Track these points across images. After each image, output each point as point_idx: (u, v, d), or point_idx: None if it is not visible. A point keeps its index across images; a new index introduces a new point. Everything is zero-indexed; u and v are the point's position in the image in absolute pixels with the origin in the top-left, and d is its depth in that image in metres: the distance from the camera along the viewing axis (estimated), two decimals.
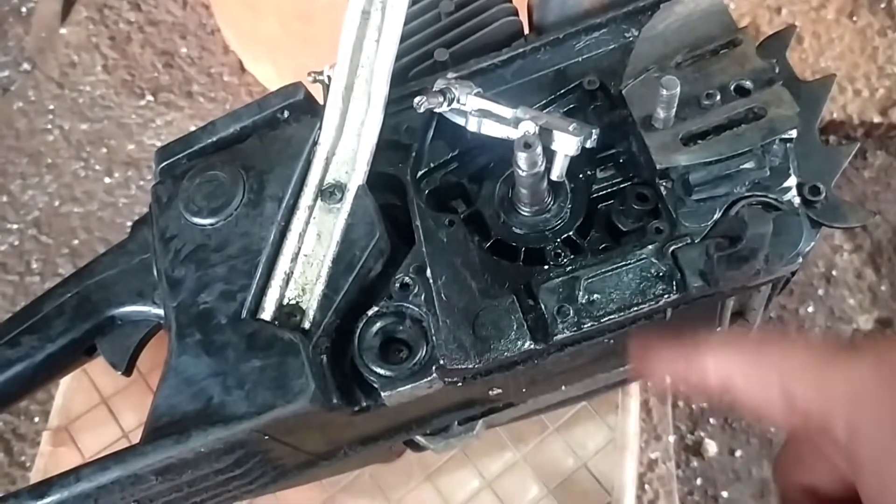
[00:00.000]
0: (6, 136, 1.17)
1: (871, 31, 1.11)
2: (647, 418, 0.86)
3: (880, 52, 1.10)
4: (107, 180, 1.15)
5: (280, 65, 1.10)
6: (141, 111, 1.20)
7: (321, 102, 0.50)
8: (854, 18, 1.11)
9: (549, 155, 0.44)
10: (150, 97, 1.21)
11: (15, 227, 1.13)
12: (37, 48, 1.30)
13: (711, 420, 0.95)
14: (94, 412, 0.67)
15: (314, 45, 0.87)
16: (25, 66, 1.29)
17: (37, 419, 0.97)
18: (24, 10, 1.35)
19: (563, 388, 0.52)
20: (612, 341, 0.44)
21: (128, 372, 0.51)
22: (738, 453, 0.94)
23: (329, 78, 0.50)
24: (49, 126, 1.21)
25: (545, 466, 0.63)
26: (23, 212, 1.14)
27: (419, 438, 0.54)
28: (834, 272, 1.00)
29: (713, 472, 0.93)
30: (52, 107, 1.22)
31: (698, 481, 0.94)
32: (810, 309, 1.00)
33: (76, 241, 1.11)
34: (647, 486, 0.82)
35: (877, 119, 1.07)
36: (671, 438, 0.86)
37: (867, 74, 1.09)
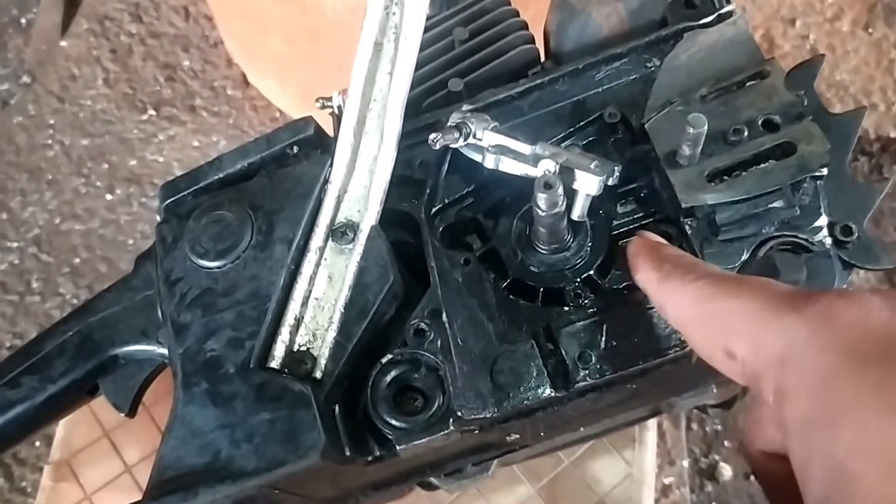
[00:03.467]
0: (6, 152, 1.15)
1: (888, 44, 1.10)
2: (661, 442, 0.85)
3: None
4: (108, 197, 1.13)
5: (285, 81, 1.09)
6: (143, 126, 1.19)
7: (330, 128, 0.48)
8: (870, 30, 1.09)
9: (570, 193, 0.42)
10: (152, 111, 1.19)
11: (15, 245, 1.11)
12: (37, 61, 1.29)
13: (726, 443, 0.93)
14: (96, 445, 0.65)
15: (321, 63, 0.85)
16: (25, 78, 1.27)
17: (38, 443, 0.95)
18: (23, 21, 1.33)
19: (582, 429, 0.50)
20: (635, 386, 0.42)
21: (131, 413, 0.49)
22: (753, 477, 0.93)
23: (339, 109, 0.49)
24: (49, 141, 1.19)
25: (560, 502, 0.61)
26: (23, 229, 1.12)
27: (432, 479, 0.52)
28: (850, 290, 0.99)
29: (728, 497, 0.91)
30: (52, 121, 1.21)
31: None
32: None
33: (77, 260, 1.09)
34: None
35: (893, 134, 1.05)
36: (685, 463, 0.85)
37: (883, 88, 1.07)
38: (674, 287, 0.33)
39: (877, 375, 0.24)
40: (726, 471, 0.92)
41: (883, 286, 1.01)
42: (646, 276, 0.36)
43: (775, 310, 0.28)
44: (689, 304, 0.32)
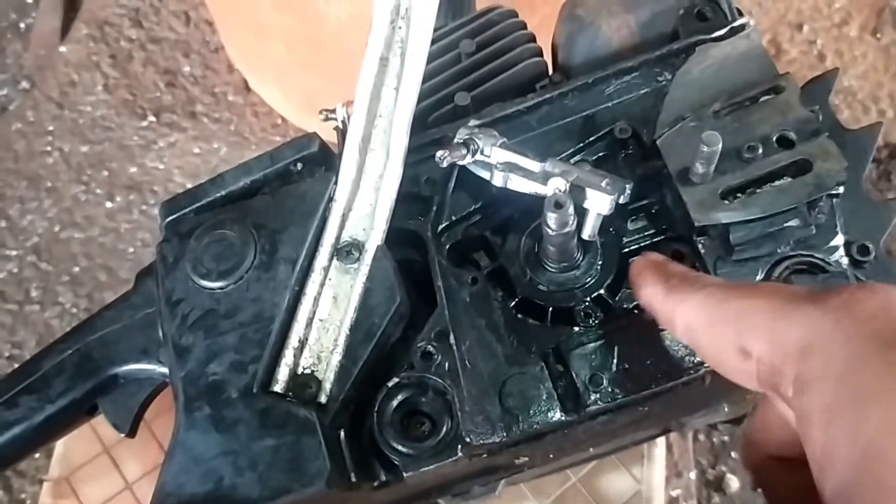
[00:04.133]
0: (4, 159, 1.15)
1: None
2: (668, 454, 0.84)
3: None
4: (108, 205, 1.13)
5: (286, 87, 1.08)
6: (143, 132, 1.18)
7: (334, 142, 0.47)
8: (878, 35, 1.08)
9: (581, 212, 0.41)
10: (152, 118, 1.18)
11: (14, 253, 1.11)
12: (36, 66, 1.28)
13: (733, 454, 0.92)
14: (95, 462, 0.64)
15: (323, 70, 0.85)
16: (24, 84, 1.27)
17: (37, 456, 0.95)
18: (22, 25, 1.33)
19: (591, 449, 0.50)
20: (647, 409, 0.41)
21: (132, 434, 0.48)
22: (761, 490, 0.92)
23: (343, 123, 0.48)
24: (48, 148, 1.18)
25: None
26: (22, 237, 1.11)
27: (440, 501, 0.51)
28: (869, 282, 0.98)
29: None
30: (51, 128, 1.20)
31: None
32: None
33: (77, 268, 1.08)
34: None
35: None
36: (692, 475, 0.84)
37: (892, 94, 1.07)
38: (681, 296, 0.33)
39: None
40: (733, 482, 0.91)
41: None
42: (651, 291, 0.35)
43: (794, 303, 0.28)
44: (698, 309, 0.32)
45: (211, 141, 1.13)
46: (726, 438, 0.91)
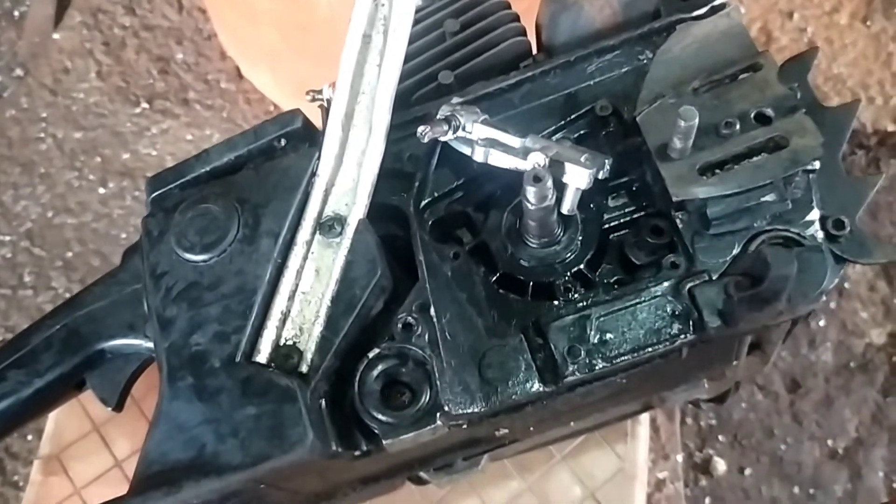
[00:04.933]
0: None
1: (886, 37, 1.09)
2: (655, 437, 0.84)
3: (895, 58, 1.07)
4: (101, 191, 1.13)
5: (279, 74, 1.08)
6: (136, 119, 1.18)
7: (320, 123, 0.48)
8: (868, 23, 1.09)
9: (560, 187, 0.42)
10: (145, 104, 1.18)
11: (7, 238, 1.11)
12: (30, 53, 1.28)
13: (720, 437, 0.93)
14: (86, 440, 0.65)
15: (314, 56, 0.84)
16: (18, 71, 1.26)
17: (30, 437, 0.95)
18: (16, 13, 1.32)
19: (572, 423, 0.50)
20: (625, 381, 0.42)
21: (118, 408, 0.49)
22: (747, 471, 0.92)
23: (328, 102, 0.48)
24: (42, 134, 1.18)
25: (552, 496, 0.61)
26: (15, 223, 1.11)
27: (422, 473, 0.52)
28: (846, 285, 0.98)
29: (722, 492, 0.91)
30: (45, 115, 1.19)
31: (707, 500, 0.92)
32: (822, 323, 0.98)
33: (70, 254, 1.08)
34: None
35: (891, 127, 1.05)
36: (679, 457, 0.84)
37: (881, 81, 1.07)
38: None
39: None
40: (720, 465, 0.91)
41: (879, 282, 1.00)
42: None
43: None
44: None
45: (203, 128, 1.13)
46: (714, 422, 0.92)
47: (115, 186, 1.14)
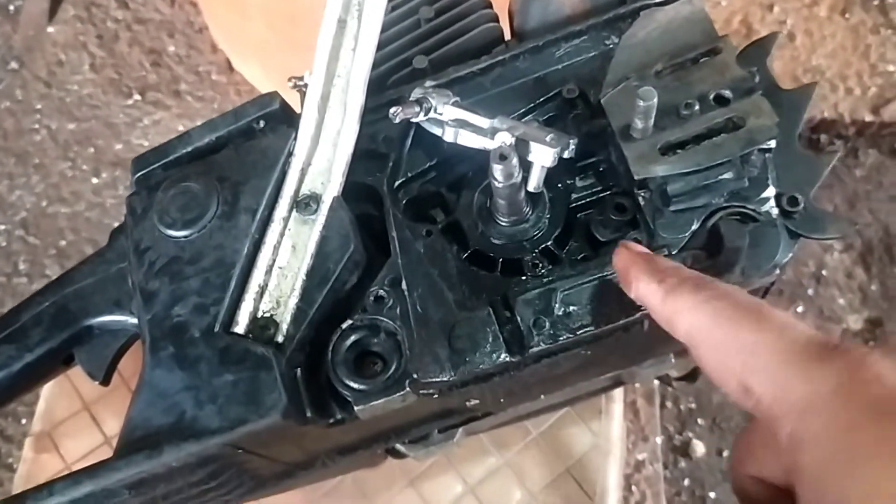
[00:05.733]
0: None
1: (864, 29, 1.11)
2: (635, 419, 0.86)
3: (873, 49, 1.09)
4: (94, 181, 1.15)
5: (268, 65, 1.09)
6: (128, 110, 1.20)
7: (300, 110, 0.49)
8: (847, 16, 1.10)
9: (526, 166, 0.43)
10: (137, 96, 1.20)
11: (2, 227, 1.13)
12: (24, 47, 1.30)
13: (699, 421, 0.95)
14: (76, 418, 0.66)
15: (302, 47, 0.86)
16: (13, 64, 1.28)
17: (24, 421, 0.97)
18: (11, 8, 1.34)
19: (542, 397, 0.52)
20: (589, 353, 0.44)
21: (105, 382, 0.50)
22: (725, 454, 0.94)
23: (306, 86, 0.50)
24: (36, 126, 1.20)
25: (528, 472, 0.63)
26: (10, 212, 1.13)
27: (399, 446, 0.54)
28: (824, 272, 1.00)
29: (701, 473, 0.93)
30: (39, 106, 1.22)
31: (686, 482, 0.94)
32: (800, 309, 1.00)
33: (63, 242, 1.10)
34: (633, 488, 0.82)
35: (868, 118, 1.07)
36: (658, 439, 0.86)
37: (859, 72, 1.09)
38: (685, 304, 0.32)
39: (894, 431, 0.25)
40: (699, 448, 0.93)
41: (857, 268, 1.02)
42: (647, 289, 0.35)
43: (800, 357, 0.28)
44: (703, 326, 0.31)
45: (195, 119, 1.15)
46: (693, 406, 0.94)
47: (108, 176, 1.16)
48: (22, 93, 1.24)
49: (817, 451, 0.26)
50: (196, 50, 1.23)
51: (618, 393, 0.64)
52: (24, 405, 0.95)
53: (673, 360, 0.54)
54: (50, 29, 1.29)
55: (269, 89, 1.19)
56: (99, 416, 0.66)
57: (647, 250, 0.39)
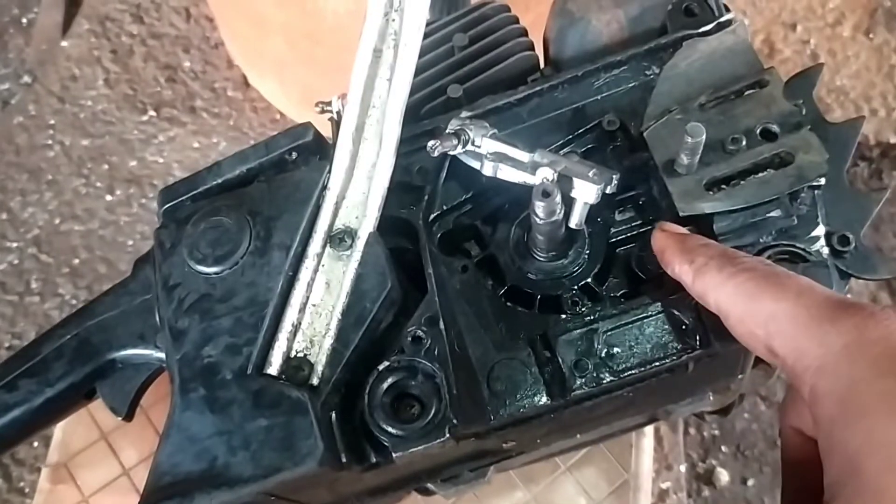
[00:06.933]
0: (6, 152, 1.15)
1: (888, 49, 1.10)
2: (659, 447, 0.85)
3: None
4: (108, 198, 1.14)
5: (286, 82, 1.08)
6: (143, 127, 1.19)
7: (329, 133, 0.48)
8: (870, 35, 1.09)
9: (568, 201, 0.42)
10: (152, 112, 1.19)
11: (14, 245, 1.12)
12: (38, 60, 1.29)
13: (723, 448, 0.93)
14: (93, 448, 0.65)
15: (321, 65, 0.85)
16: (26, 78, 1.28)
17: (36, 444, 0.96)
18: (24, 20, 1.34)
19: (578, 436, 0.50)
20: (631, 394, 0.42)
21: (129, 417, 0.49)
22: (750, 482, 0.92)
23: (338, 114, 0.49)
24: (50, 141, 1.19)
25: None
26: (22, 230, 1.12)
27: (429, 485, 0.52)
28: (849, 296, 0.98)
29: (725, 502, 0.92)
30: (52, 122, 1.21)
31: None
32: None
33: (77, 261, 1.09)
34: None
35: (893, 139, 1.05)
36: (682, 468, 0.85)
37: (884, 94, 1.07)
38: (713, 282, 0.36)
39: (892, 386, 0.28)
40: (723, 476, 0.92)
41: (882, 293, 1.01)
42: (680, 270, 0.38)
43: (815, 319, 0.31)
44: (730, 301, 0.35)
45: (210, 136, 1.14)
46: (717, 432, 0.92)
47: (122, 194, 1.14)
48: (35, 108, 1.23)
49: (828, 405, 0.30)
50: (212, 66, 1.22)
51: (648, 427, 0.62)
52: None
53: (711, 398, 0.52)
54: (63, 43, 1.29)
55: (285, 106, 1.19)
56: (116, 445, 0.65)
57: (681, 229, 0.40)
